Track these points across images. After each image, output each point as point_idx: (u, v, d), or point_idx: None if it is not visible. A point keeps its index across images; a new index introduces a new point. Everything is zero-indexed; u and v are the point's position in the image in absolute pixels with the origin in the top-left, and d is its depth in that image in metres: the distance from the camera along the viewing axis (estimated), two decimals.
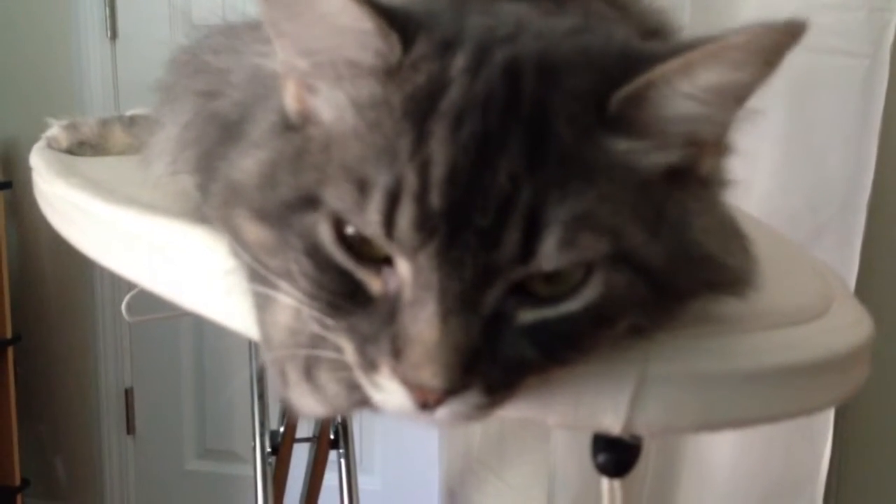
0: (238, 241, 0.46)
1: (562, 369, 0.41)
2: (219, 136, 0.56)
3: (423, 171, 0.38)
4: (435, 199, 0.38)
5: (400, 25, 0.41)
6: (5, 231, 1.94)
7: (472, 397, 0.39)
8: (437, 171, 0.38)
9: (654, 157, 0.41)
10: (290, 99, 0.45)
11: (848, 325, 0.47)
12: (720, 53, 0.38)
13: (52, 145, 0.92)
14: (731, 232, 0.47)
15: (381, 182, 0.38)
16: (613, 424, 0.40)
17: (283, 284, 0.44)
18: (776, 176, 1.38)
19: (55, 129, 0.94)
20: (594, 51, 0.42)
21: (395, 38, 0.41)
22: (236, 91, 0.59)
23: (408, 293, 0.39)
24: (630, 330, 0.41)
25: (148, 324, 1.63)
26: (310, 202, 0.41)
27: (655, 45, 0.44)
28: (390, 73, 0.41)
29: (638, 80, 0.39)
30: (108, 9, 1.96)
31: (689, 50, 0.39)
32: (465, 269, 0.38)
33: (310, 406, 0.44)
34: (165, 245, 0.58)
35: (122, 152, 0.94)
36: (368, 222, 0.39)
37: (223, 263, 0.49)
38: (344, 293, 0.41)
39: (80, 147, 0.93)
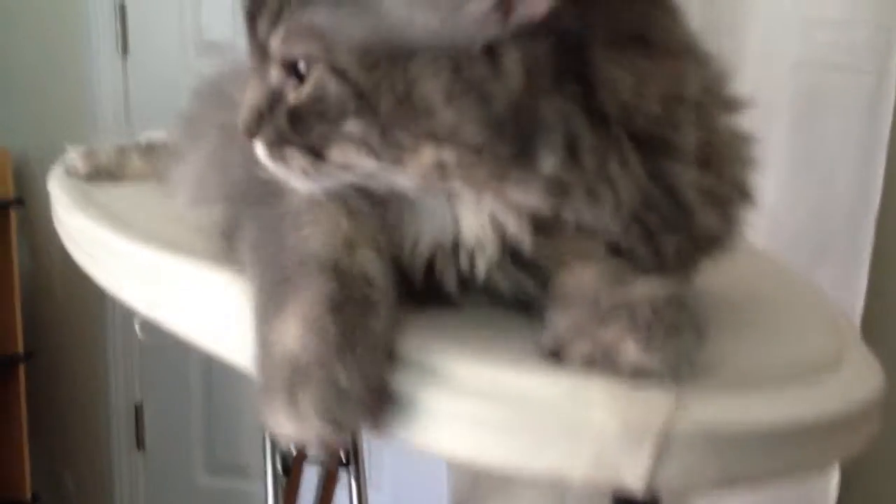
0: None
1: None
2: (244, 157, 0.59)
3: None
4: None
5: None
6: (17, 247, 1.95)
7: (259, 141, 0.50)
8: None
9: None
10: None
11: (860, 381, 0.48)
12: None
13: (70, 173, 0.93)
14: None
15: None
16: (634, 482, 0.40)
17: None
18: (783, 192, 1.38)
19: (73, 157, 0.94)
20: None
21: None
22: None
23: None
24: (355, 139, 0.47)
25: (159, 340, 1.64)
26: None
27: None
28: None
29: None
30: (119, 23, 1.97)
31: None
32: (255, 49, 0.51)
33: (288, 434, 0.43)
34: (183, 282, 0.58)
35: (138, 179, 0.94)
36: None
37: (238, 297, 0.50)
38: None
39: (98, 174, 0.94)
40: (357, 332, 0.43)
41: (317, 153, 0.48)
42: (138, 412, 2.14)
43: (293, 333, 0.43)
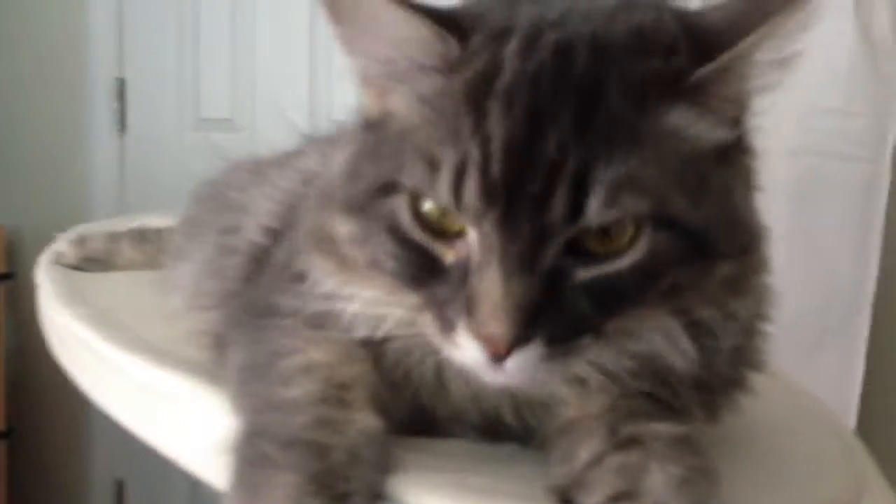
0: (325, 249, 0.51)
1: (615, 324, 0.45)
2: (243, 265, 0.60)
3: (485, 145, 0.42)
4: (495, 169, 0.42)
5: (455, 27, 0.45)
6: (4, 322, 1.92)
7: (536, 348, 0.42)
8: (496, 145, 0.42)
9: (712, 131, 0.45)
10: (371, 103, 0.50)
11: None
12: (782, 24, 0.43)
13: (59, 261, 0.91)
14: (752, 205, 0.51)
15: (448, 158, 0.43)
16: None
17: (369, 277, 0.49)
18: (780, 278, 1.37)
19: (63, 245, 0.92)
20: (647, 27, 0.46)
21: (451, 40, 0.45)
22: (263, 218, 0.64)
23: (476, 257, 0.43)
24: (672, 287, 0.45)
25: None
26: (389, 187, 0.46)
27: (716, 16, 0.46)
28: (451, 68, 0.45)
29: (722, 59, 0.43)
30: (117, 102, 1.98)
31: (763, 24, 0.42)
32: (522, 231, 0.42)
33: None
34: (172, 400, 0.56)
35: (129, 268, 0.93)
36: (439, 194, 0.43)
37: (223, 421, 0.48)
38: (422, 266, 0.46)
39: (88, 262, 0.92)
40: None
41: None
42: (120, 488, 2.09)
43: None
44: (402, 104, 0.47)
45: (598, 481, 0.43)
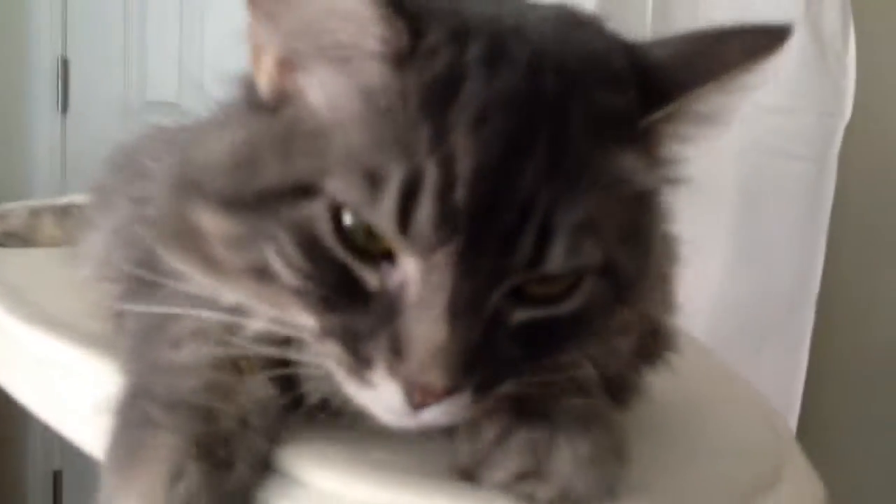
0: (187, 246, 0.44)
1: (536, 374, 0.41)
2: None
3: (447, 165, 0.36)
4: (460, 196, 0.36)
5: (408, 12, 0.39)
6: None
7: (464, 397, 0.39)
8: (463, 167, 0.36)
9: (651, 177, 0.43)
10: (265, 76, 0.43)
11: (800, 498, 0.45)
12: (735, 76, 0.41)
13: None
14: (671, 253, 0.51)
15: (395, 173, 0.37)
16: None
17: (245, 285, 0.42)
18: (727, 276, 1.38)
19: None
20: (600, 55, 0.42)
21: (402, 25, 0.39)
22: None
23: (414, 292, 0.38)
24: (592, 332, 0.43)
25: None
26: (304, 191, 0.39)
27: (662, 54, 0.44)
28: (401, 60, 0.39)
29: (670, 107, 0.41)
30: (60, 81, 1.93)
31: (715, 76, 0.41)
32: (480, 272, 0.37)
33: None
34: (67, 371, 0.54)
35: (51, 244, 0.89)
36: (381, 215, 0.37)
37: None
38: (337, 288, 0.39)
39: (8, 238, 0.89)
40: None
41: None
42: (56, 479, 2.05)
43: None
44: (322, 90, 0.41)
45: (504, 459, 0.41)
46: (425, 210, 0.36)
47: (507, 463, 0.41)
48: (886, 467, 1.61)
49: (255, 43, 0.43)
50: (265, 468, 0.42)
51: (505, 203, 0.37)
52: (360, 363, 0.39)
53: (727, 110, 0.42)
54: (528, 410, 0.42)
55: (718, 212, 1.36)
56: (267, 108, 0.42)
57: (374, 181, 0.37)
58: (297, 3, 0.40)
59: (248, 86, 0.44)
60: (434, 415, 0.39)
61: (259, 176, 0.41)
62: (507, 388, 0.41)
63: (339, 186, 0.38)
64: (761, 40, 0.42)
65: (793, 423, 1.40)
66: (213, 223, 0.42)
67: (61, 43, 1.93)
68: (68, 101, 1.95)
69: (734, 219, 1.38)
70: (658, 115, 0.41)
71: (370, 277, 0.39)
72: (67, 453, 2.04)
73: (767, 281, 1.40)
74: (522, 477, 0.40)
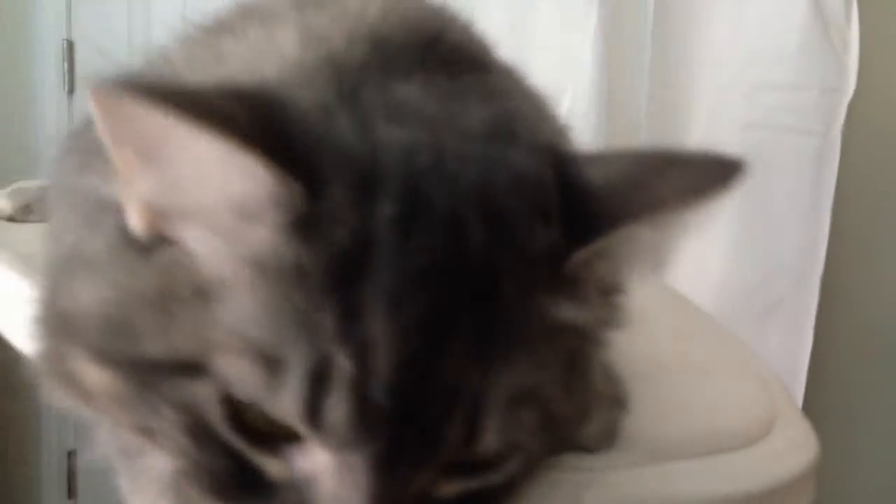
0: (73, 392, 0.39)
1: None
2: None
3: (360, 357, 0.32)
4: (378, 393, 0.32)
5: (304, 169, 0.33)
6: None
7: None
8: (381, 360, 0.32)
9: (582, 316, 0.38)
10: (135, 213, 0.36)
11: (791, 449, 0.46)
12: (672, 214, 0.36)
13: None
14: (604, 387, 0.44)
15: (298, 362, 0.32)
16: None
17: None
18: (731, 251, 1.39)
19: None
20: (530, 182, 0.37)
21: (298, 187, 0.33)
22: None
23: (327, 486, 0.33)
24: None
25: None
26: (190, 369, 0.33)
27: (597, 176, 0.38)
28: (298, 227, 0.33)
29: (598, 244, 0.36)
30: (66, 62, 1.94)
31: (650, 210, 0.35)
32: (402, 467, 0.33)
33: None
34: None
35: None
36: (282, 408, 0.32)
37: None
38: (232, 475, 0.34)
39: (26, 211, 0.91)
40: None
41: None
42: (71, 459, 2.06)
43: None
44: (203, 248, 0.35)
45: None
46: (338, 407, 0.32)
47: None
48: (892, 445, 1.62)
49: (121, 170, 0.34)
50: None
51: (429, 393, 0.33)
52: None
53: (662, 249, 0.37)
54: None
55: None
56: (138, 246, 0.36)
57: (271, 366, 0.32)
58: (168, 158, 0.33)
59: (120, 227, 0.36)
60: None
61: (136, 343, 0.35)
62: None
63: (230, 369, 0.33)
64: (710, 175, 0.36)
65: (799, 395, 1.40)
66: (93, 374, 0.37)
67: (66, 25, 1.94)
68: (75, 82, 1.95)
69: (738, 194, 1.38)
70: (585, 252, 0.36)
71: (271, 465, 0.34)
72: (82, 434, 2.05)
73: (772, 256, 1.41)
74: None
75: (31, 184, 0.98)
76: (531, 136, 0.40)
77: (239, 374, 0.32)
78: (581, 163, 0.39)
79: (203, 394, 0.33)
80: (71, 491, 2.08)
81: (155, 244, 0.36)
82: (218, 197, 0.33)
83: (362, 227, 0.33)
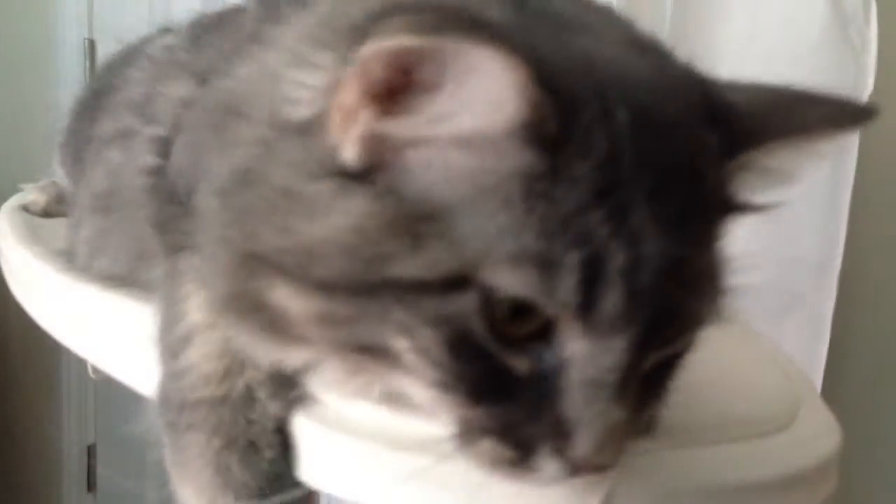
0: (256, 320, 0.41)
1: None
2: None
3: (632, 248, 0.35)
4: (646, 278, 0.35)
5: (556, 92, 0.36)
6: None
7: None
8: (649, 248, 0.35)
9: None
10: (356, 143, 0.38)
11: (814, 437, 0.47)
12: (815, 140, 0.42)
13: (30, 209, 0.91)
14: None
15: (571, 259, 0.34)
16: None
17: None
18: (749, 244, 1.39)
19: (32, 192, 0.93)
20: (694, 92, 0.41)
21: (552, 108, 0.36)
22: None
23: (579, 373, 0.36)
24: None
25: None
26: (452, 284, 0.36)
27: (740, 100, 0.43)
28: (555, 143, 0.36)
29: (745, 156, 0.41)
30: (88, 61, 1.95)
31: (797, 132, 0.41)
32: (650, 350, 0.37)
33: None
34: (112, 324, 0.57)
35: None
36: (560, 304, 0.35)
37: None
38: (484, 380, 0.37)
39: (58, 204, 0.92)
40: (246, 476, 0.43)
41: None
42: (91, 453, 2.08)
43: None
44: (446, 173, 0.37)
45: None
46: (612, 295, 0.35)
47: None
48: None
49: (346, 108, 0.38)
50: (285, 431, 0.44)
51: (679, 276, 0.36)
52: (524, 454, 0.37)
53: (794, 171, 0.43)
54: None
55: None
56: (356, 176, 0.38)
57: (543, 267, 0.35)
58: (432, 98, 0.36)
59: (328, 157, 0.39)
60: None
61: (386, 265, 0.37)
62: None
63: (499, 277, 0.35)
64: (846, 112, 0.43)
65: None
66: (299, 303, 0.39)
67: (87, 24, 1.95)
68: None
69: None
70: (736, 161, 0.41)
71: (518, 363, 0.37)
72: (102, 427, 2.07)
73: (790, 252, 1.40)
74: None
75: (58, 179, 1.00)
76: (670, 53, 0.45)
77: (510, 280, 0.35)
78: (720, 86, 0.43)
79: (467, 304, 0.36)
80: (91, 484, 2.10)
81: (373, 171, 0.38)
82: (479, 122, 0.36)
83: (612, 133, 0.36)
